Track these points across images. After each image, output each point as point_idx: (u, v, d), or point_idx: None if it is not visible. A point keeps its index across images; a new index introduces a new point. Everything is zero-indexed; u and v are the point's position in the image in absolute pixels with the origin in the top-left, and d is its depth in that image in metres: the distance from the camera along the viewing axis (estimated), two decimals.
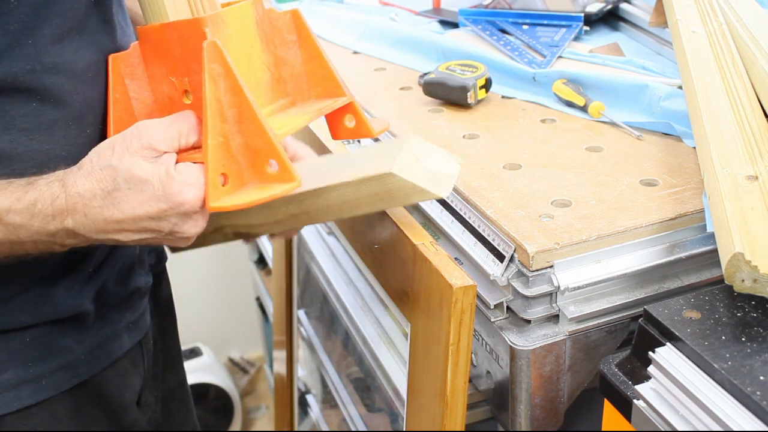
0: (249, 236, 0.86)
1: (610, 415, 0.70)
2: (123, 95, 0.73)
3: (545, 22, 1.29)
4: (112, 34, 0.76)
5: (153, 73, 0.73)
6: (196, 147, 0.68)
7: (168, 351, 1.02)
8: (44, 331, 0.78)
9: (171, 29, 0.68)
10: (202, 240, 0.86)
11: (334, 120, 0.78)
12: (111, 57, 0.73)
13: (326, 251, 1.18)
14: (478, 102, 1.09)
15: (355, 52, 1.36)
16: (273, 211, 0.80)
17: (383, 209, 0.75)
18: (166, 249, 1.02)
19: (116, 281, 0.84)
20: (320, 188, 0.75)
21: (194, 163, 0.66)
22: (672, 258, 0.79)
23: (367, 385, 1.15)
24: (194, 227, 0.67)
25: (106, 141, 0.67)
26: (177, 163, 0.66)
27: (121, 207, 0.64)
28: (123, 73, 0.73)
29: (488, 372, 0.84)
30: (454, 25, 1.38)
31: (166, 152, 0.65)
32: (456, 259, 0.81)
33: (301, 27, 0.73)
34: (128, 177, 0.64)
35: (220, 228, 0.85)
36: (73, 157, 0.72)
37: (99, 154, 0.66)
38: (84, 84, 0.72)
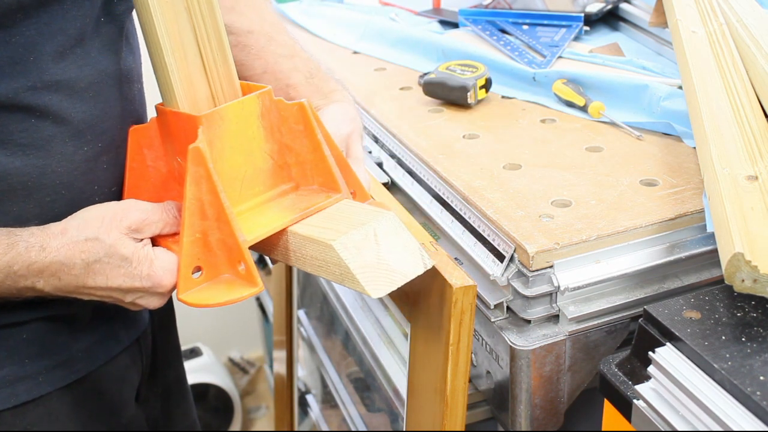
0: None
1: (610, 415, 0.70)
2: (140, 164, 0.78)
3: (545, 22, 1.29)
4: (118, 54, 0.76)
5: (167, 148, 0.77)
6: (175, 234, 0.73)
7: (167, 347, 1.02)
8: (41, 329, 0.78)
9: (175, 118, 0.72)
10: None
11: None
12: (131, 129, 0.77)
13: None
14: (478, 102, 1.09)
15: (355, 52, 1.36)
16: None
17: (320, 276, 0.72)
18: None
19: None
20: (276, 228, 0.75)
21: (170, 250, 0.71)
22: (672, 258, 0.79)
23: (367, 385, 1.15)
24: (156, 303, 0.72)
25: (93, 209, 0.70)
26: (155, 245, 0.71)
27: (97, 278, 0.68)
28: (141, 143, 0.77)
29: (488, 372, 0.84)
30: (454, 25, 1.38)
31: (147, 237, 0.71)
32: (456, 259, 0.81)
33: (306, 120, 0.75)
34: (111, 252, 0.68)
35: None
36: (69, 173, 0.73)
37: (86, 222, 0.69)
38: (83, 102, 0.73)
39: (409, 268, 0.70)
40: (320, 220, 0.73)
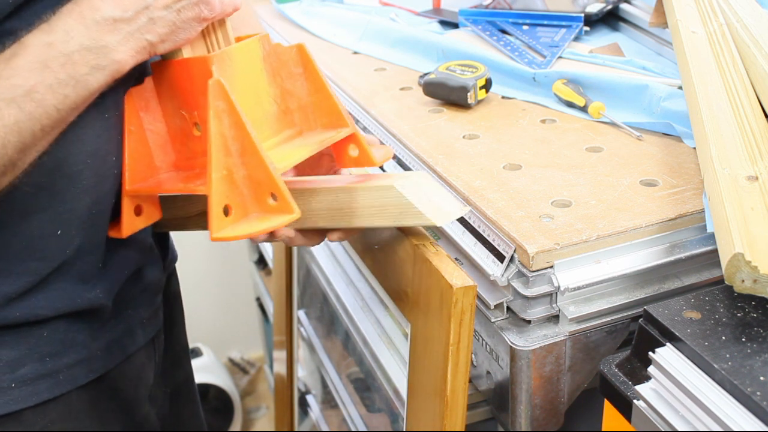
0: None
1: (610, 415, 0.70)
2: (138, 127, 0.76)
3: (545, 22, 1.30)
4: None
5: (166, 106, 0.76)
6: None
7: (175, 347, 1.02)
8: (61, 326, 0.78)
9: (181, 66, 0.72)
10: (188, 222, 0.88)
11: (338, 150, 0.80)
12: (127, 93, 0.75)
13: (326, 251, 1.18)
14: (478, 102, 1.09)
15: (355, 52, 1.36)
16: None
17: (373, 226, 0.75)
18: (175, 248, 1.02)
19: (130, 275, 0.85)
20: (317, 188, 0.77)
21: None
22: (672, 258, 0.79)
23: (367, 386, 1.15)
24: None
25: None
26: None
27: None
28: (138, 106, 0.76)
29: (488, 372, 0.84)
30: (454, 26, 1.38)
31: None
32: (456, 259, 0.81)
33: (306, 60, 0.76)
34: None
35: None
36: (92, 141, 0.72)
37: None
38: None
39: (453, 210, 0.75)
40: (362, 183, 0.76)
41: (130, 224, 0.78)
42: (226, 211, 0.68)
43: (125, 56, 0.67)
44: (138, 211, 0.78)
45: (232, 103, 0.67)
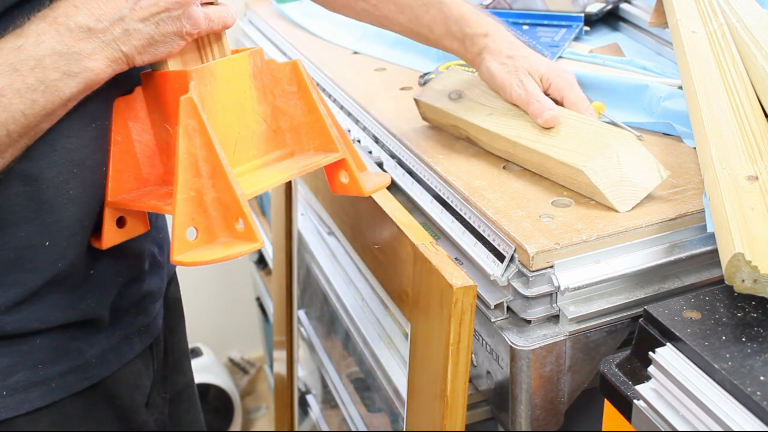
0: (473, 144, 0.96)
1: (610, 415, 0.70)
2: (125, 137, 0.74)
3: (545, 22, 1.29)
4: None
5: (154, 117, 0.74)
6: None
7: (176, 352, 1.01)
8: (55, 335, 0.77)
9: (164, 79, 0.70)
10: (435, 122, 1.01)
11: (331, 174, 0.78)
12: (116, 101, 0.74)
13: (326, 251, 1.18)
14: None
15: (355, 52, 1.36)
16: (494, 140, 0.91)
17: (571, 188, 0.83)
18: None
19: (129, 284, 0.84)
20: (529, 147, 0.86)
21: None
22: (672, 258, 0.79)
23: (367, 385, 1.15)
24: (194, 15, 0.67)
25: None
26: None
27: None
28: (126, 116, 0.74)
29: (488, 372, 0.84)
30: None
31: None
32: (456, 259, 0.81)
33: (300, 79, 0.74)
34: None
35: (455, 125, 0.97)
36: (78, 150, 0.71)
37: None
38: None
39: (648, 182, 0.81)
40: (567, 141, 0.83)
41: (111, 236, 0.75)
42: (195, 234, 0.66)
43: (99, 65, 0.65)
44: (121, 223, 0.76)
45: (203, 123, 0.65)
